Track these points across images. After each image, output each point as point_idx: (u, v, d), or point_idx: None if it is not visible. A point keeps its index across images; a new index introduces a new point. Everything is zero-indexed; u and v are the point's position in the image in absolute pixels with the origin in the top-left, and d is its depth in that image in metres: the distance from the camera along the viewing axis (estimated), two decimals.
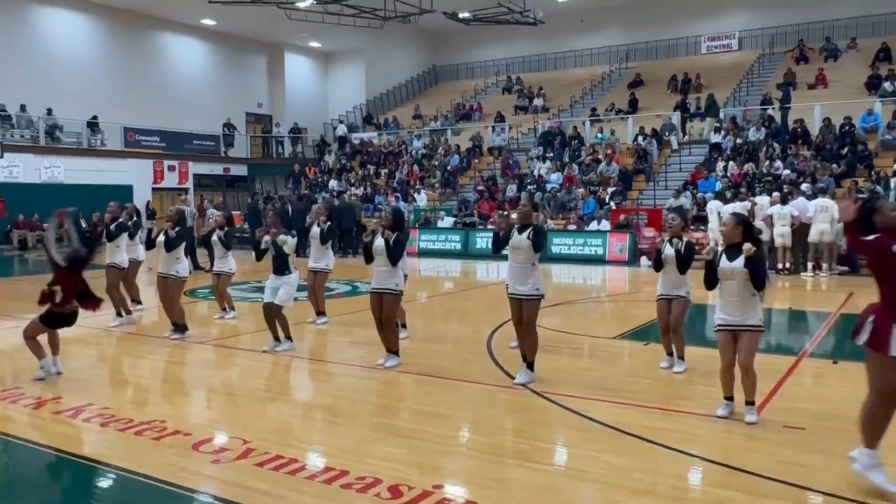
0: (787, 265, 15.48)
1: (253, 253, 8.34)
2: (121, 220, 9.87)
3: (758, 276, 5.31)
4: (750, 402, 5.47)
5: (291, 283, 8.05)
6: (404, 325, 8.71)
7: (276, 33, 31.92)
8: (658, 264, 6.96)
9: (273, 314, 8.03)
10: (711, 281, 5.55)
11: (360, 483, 4.37)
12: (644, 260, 17.58)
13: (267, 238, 8.00)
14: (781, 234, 15.28)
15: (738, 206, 15.06)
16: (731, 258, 5.41)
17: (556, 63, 34.83)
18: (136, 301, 10.87)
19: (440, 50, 38.16)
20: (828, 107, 21.43)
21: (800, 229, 15.25)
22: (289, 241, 8.00)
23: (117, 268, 10.01)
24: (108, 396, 6.52)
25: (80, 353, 8.40)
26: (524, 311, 6.66)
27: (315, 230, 9.69)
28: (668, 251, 6.86)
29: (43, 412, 5.89)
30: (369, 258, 7.29)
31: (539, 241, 6.53)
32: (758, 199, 16.49)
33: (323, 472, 4.57)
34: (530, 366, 6.70)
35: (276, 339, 8.13)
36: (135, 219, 10.87)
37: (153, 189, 27.04)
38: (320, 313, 9.85)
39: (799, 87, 25.20)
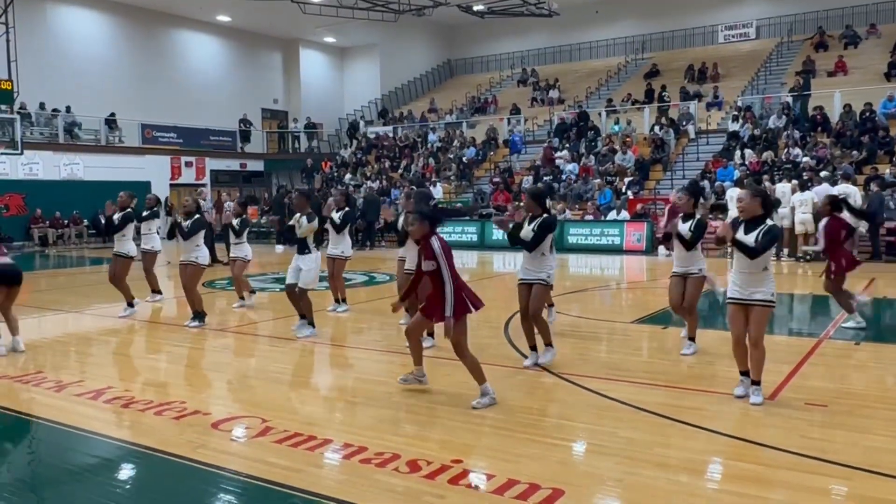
0: (809, 252, 15.32)
1: (276, 241, 8.48)
2: (129, 210, 9.91)
3: (744, 247, 5.26)
4: (756, 382, 5.40)
5: (313, 263, 8.07)
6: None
7: (291, 29, 32.02)
8: (668, 240, 6.94)
9: (297, 297, 8.09)
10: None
11: (378, 458, 4.38)
12: (662, 249, 17.47)
13: (295, 216, 8.12)
14: (802, 220, 15.13)
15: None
16: (745, 232, 5.36)
17: (571, 55, 34.64)
18: (156, 291, 10.94)
19: (455, 43, 38.10)
20: (848, 93, 21.16)
21: (821, 215, 15.08)
22: (303, 224, 8.03)
23: (125, 257, 9.99)
24: (129, 380, 6.58)
25: (100, 340, 8.49)
26: (531, 295, 6.50)
27: (334, 216, 9.70)
28: (679, 228, 6.82)
29: (64, 395, 5.95)
30: (402, 240, 7.37)
31: (536, 238, 6.36)
32: (778, 186, 16.33)
33: (342, 449, 4.58)
34: (548, 345, 6.64)
35: (302, 316, 8.16)
36: (154, 209, 10.93)
37: (171, 185, 27.23)
38: (341, 301, 9.88)
39: (818, 74, 24.89)
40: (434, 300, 5.40)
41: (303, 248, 8.10)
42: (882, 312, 10.07)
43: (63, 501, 4.08)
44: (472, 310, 5.39)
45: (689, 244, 6.78)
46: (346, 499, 3.84)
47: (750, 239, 5.29)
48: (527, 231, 6.46)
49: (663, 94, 25.84)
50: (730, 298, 5.45)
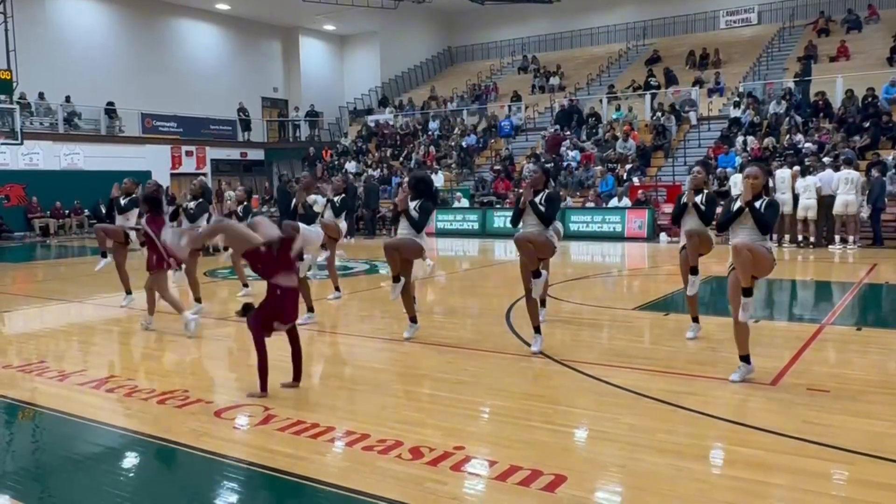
0: (811, 238, 15.31)
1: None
2: (134, 195, 9.87)
3: (761, 221, 5.36)
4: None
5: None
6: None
7: (291, 17, 31.88)
8: (678, 216, 6.91)
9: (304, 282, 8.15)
10: (727, 224, 5.56)
11: (381, 445, 4.39)
12: (663, 236, 17.46)
13: (310, 198, 8.20)
14: (806, 206, 15.08)
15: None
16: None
17: (572, 41, 34.45)
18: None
19: (455, 30, 37.90)
20: (850, 79, 21.05)
21: (824, 201, 15.06)
22: (319, 201, 8.14)
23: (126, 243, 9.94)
24: (131, 369, 6.60)
25: (102, 330, 8.50)
26: (536, 252, 6.49)
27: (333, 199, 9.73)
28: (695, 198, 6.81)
29: (67, 384, 5.96)
30: (395, 221, 7.37)
31: (547, 213, 6.40)
32: (777, 172, 16.27)
33: (344, 436, 4.59)
34: (537, 329, 6.66)
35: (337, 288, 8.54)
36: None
37: (171, 174, 27.18)
38: (335, 289, 9.89)
39: (820, 59, 24.76)
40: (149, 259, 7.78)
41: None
42: (884, 298, 10.07)
43: (66, 490, 4.09)
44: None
45: (706, 219, 6.76)
46: (349, 486, 3.84)
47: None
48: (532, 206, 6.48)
49: (650, 79, 25.83)
50: (731, 267, 5.49)
